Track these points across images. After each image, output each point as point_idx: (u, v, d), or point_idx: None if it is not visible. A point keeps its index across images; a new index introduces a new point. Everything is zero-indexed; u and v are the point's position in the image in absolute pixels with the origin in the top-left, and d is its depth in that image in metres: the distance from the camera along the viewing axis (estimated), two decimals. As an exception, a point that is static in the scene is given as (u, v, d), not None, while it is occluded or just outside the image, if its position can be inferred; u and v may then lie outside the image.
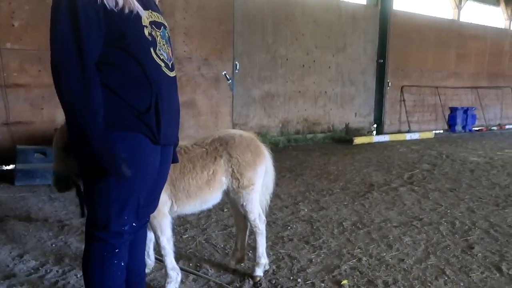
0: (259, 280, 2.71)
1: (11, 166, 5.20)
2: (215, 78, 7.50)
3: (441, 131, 11.18)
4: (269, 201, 2.99)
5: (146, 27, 1.77)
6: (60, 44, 1.60)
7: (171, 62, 1.92)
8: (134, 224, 1.88)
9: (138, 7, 1.72)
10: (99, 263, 1.82)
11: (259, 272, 2.75)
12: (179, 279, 2.51)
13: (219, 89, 7.58)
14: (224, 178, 2.59)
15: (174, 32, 6.77)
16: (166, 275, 2.49)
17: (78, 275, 2.66)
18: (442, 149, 8.22)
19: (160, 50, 1.83)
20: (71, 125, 1.67)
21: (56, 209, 4.00)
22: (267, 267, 2.84)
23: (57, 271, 2.75)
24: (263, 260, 2.78)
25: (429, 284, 2.74)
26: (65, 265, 2.83)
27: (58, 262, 2.87)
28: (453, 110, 11.48)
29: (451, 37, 11.36)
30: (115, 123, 1.72)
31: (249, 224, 2.81)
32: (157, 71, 1.81)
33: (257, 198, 2.74)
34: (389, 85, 10.20)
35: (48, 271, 2.75)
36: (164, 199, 2.38)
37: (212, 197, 2.58)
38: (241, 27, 7.74)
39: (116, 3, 1.64)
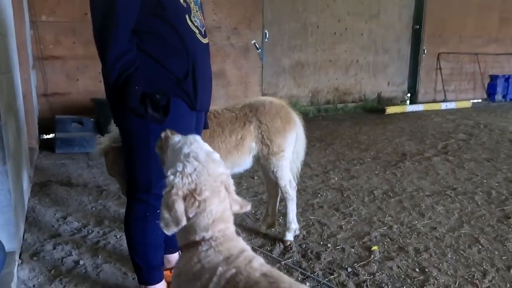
0: (290, 244, 2.77)
1: (51, 135, 5.44)
2: (244, 48, 7.42)
3: (480, 101, 10.69)
4: (300, 169, 3.01)
5: None
6: (97, 8, 1.63)
7: (203, 29, 1.93)
8: None
9: None
10: (142, 223, 1.91)
11: (289, 236, 2.81)
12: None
13: (249, 59, 7.51)
14: (254, 144, 2.61)
15: (203, 1, 6.69)
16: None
17: (118, 236, 2.81)
18: (480, 118, 7.89)
19: (194, 17, 1.85)
20: (112, 88, 1.70)
21: (95, 175, 4.18)
22: (297, 232, 2.89)
23: (98, 232, 2.91)
24: (294, 225, 2.83)
25: (462, 252, 2.71)
26: (105, 227, 2.99)
27: (98, 224, 3.04)
28: (493, 78, 10.90)
29: (493, 0, 10.65)
30: (155, 90, 1.76)
31: (280, 191, 2.85)
32: (193, 38, 1.83)
33: (288, 165, 2.76)
34: (425, 52, 9.75)
35: (90, 231, 2.91)
36: (197, 164, 2.44)
37: (242, 161, 2.62)
38: (270, -6, 7.56)
39: None
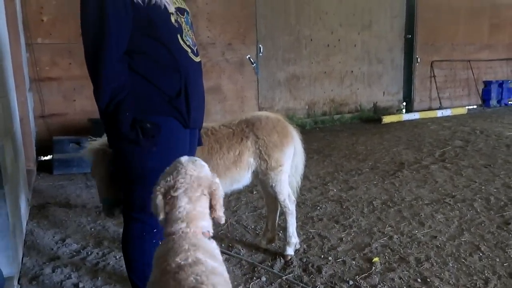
0: (290, 259, 2.76)
1: (48, 157, 5.43)
2: (239, 63, 7.49)
3: (475, 107, 10.77)
4: (299, 183, 3.01)
5: (172, 14, 1.82)
6: (88, 33, 1.66)
7: (195, 48, 1.96)
8: None
9: (165, 1, 1.77)
10: (140, 242, 1.91)
11: (290, 251, 2.80)
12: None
13: (244, 74, 7.57)
14: (252, 159, 2.62)
15: (197, 18, 6.79)
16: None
17: (117, 257, 2.80)
18: (476, 124, 7.94)
19: (186, 37, 1.88)
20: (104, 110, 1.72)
21: (93, 195, 4.17)
22: (298, 246, 2.88)
23: (97, 253, 2.89)
24: (294, 239, 2.82)
25: (463, 260, 2.70)
26: (104, 248, 2.97)
27: (98, 245, 3.02)
28: (487, 84, 11.00)
29: (483, 6, 10.80)
30: (148, 109, 1.78)
31: (279, 205, 2.85)
32: (185, 57, 1.86)
33: (286, 179, 2.77)
34: (418, 61, 9.86)
35: (89, 253, 2.90)
36: (195, 181, 2.44)
37: (241, 177, 2.62)
38: (263, 10, 7.65)
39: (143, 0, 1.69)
